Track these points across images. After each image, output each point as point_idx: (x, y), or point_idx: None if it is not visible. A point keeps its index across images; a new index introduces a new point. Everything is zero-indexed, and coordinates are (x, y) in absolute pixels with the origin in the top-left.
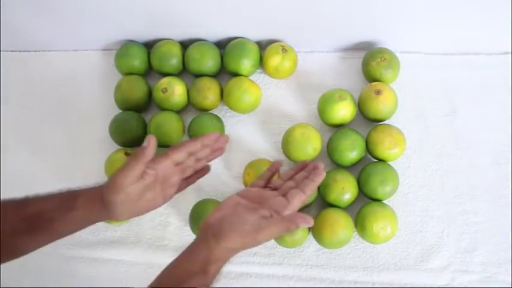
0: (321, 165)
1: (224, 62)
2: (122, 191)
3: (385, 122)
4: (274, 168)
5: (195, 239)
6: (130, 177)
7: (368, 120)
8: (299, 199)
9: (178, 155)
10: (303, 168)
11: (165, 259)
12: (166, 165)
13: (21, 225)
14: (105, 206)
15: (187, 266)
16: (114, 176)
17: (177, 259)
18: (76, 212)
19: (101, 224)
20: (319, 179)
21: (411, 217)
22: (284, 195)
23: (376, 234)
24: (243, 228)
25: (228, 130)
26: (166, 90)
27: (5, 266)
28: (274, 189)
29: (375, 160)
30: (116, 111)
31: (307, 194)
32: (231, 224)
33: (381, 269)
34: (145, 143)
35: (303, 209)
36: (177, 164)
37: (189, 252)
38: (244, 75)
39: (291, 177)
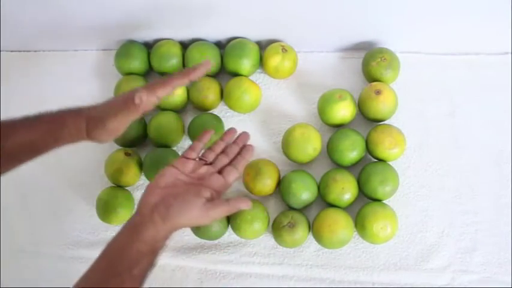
0: (248, 135)
1: (224, 62)
2: (113, 135)
3: (385, 122)
4: (205, 139)
5: (138, 217)
6: (124, 124)
7: (368, 120)
8: (234, 177)
9: (164, 91)
10: (230, 135)
11: (165, 259)
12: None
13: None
14: (90, 137)
15: (137, 246)
16: (106, 120)
17: (122, 238)
18: (61, 142)
19: (101, 224)
20: (250, 156)
21: (411, 217)
22: (219, 172)
23: (376, 234)
24: (191, 213)
25: None
26: None
27: (5, 266)
28: (208, 163)
29: (375, 160)
30: None
31: (240, 171)
32: (179, 208)
33: (381, 269)
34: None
35: (304, 208)
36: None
37: (135, 233)
38: (244, 75)
39: (223, 151)
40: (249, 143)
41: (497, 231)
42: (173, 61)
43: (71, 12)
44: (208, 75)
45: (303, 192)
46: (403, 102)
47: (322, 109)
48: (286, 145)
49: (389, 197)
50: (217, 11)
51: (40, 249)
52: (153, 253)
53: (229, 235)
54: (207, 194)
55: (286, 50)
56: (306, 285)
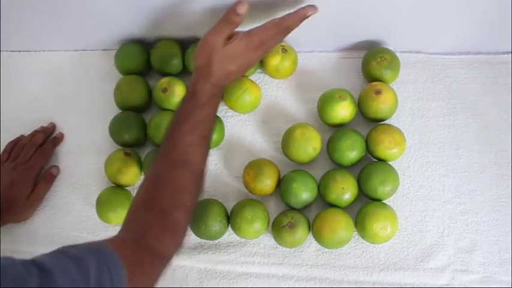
0: None
1: None
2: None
3: (385, 122)
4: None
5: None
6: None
7: (368, 120)
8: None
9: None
10: None
11: None
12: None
13: None
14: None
15: (194, 99)
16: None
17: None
18: None
19: (101, 224)
20: None
21: (411, 217)
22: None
23: (376, 234)
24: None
25: (228, 130)
26: (166, 90)
27: None
28: None
29: (375, 160)
30: (116, 111)
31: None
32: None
33: (381, 269)
34: None
35: (304, 208)
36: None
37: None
38: (244, 75)
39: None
40: (249, 143)
41: (497, 231)
42: (173, 61)
43: (70, 12)
44: None
45: (303, 192)
46: (403, 102)
47: (322, 109)
48: (286, 145)
49: (389, 197)
50: (218, 10)
51: (40, 249)
52: (208, 104)
53: (229, 235)
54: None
55: (286, 50)
56: (306, 285)
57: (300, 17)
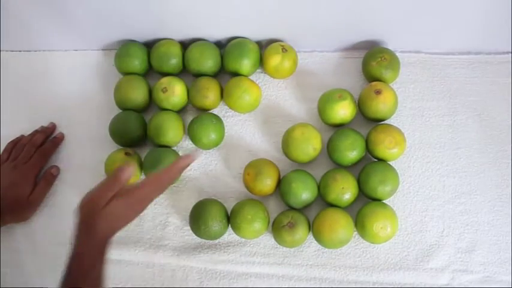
0: None
1: (224, 62)
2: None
3: (385, 122)
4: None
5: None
6: None
7: (368, 120)
8: None
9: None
10: None
11: (165, 259)
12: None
13: None
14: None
15: (80, 263)
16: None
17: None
18: None
19: None
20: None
21: (411, 217)
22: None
23: (376, 234)
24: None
25: (228, 130)
26: (166, 90)
27: (5, 266)
28: None
29: (375, 160)
30: (116, 111)
31: None
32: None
33: (381, 269)
34: None
35: (304, 208)
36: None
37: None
38: (244, 75)
39: None
40: (249, 143)
41: (497, 231)
42: (173, 61)
43: (71, 12)
44: (208, 75)
45: (303, 192)
46: (403, 102)
47: (322, 109)
48: (286, 145)
49: (389, 197)
50: (217, 10)
51: (40, 249)
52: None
53: (229, 235)
54: None
55: (286, 50)
56: (306, 285)
57: (177, 169)
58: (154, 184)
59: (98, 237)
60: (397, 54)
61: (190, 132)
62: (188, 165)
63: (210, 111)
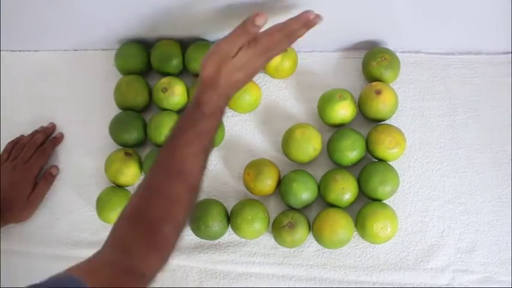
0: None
1: None
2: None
3: (385, 122)
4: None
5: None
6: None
7: (368, 120)
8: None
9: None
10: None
11: None
12: None
13: None
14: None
15: (199, 109)
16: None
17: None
18: None
19: (101, 224)
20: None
21: (411, 217)
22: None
23: (376, 234)
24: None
25: (228, 130)
26: (166, 90)
27: (4, 266)
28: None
29: (375, 160)
30: (116, 111)
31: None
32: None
33: (381, 269)
34: None
35: (304, 208)
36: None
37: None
38: None
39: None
40: (249, 143)
41: (497, 231)
42: (173, 61)
43: (71, 12)
44: None
45: (303, 192)
46: (403, 102)
47: (322, 109)
48: (286, 145)
49: (389, 197)
50: (218, 10)
51: (40, 249)
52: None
53: (229, 235)
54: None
55: (286, 50)
56: (306, 285)
57: (302, 21)
58: (281, 33)
59: (220, 91)
60: (397, 54)
61: None
62: (314, 22)
63: None
